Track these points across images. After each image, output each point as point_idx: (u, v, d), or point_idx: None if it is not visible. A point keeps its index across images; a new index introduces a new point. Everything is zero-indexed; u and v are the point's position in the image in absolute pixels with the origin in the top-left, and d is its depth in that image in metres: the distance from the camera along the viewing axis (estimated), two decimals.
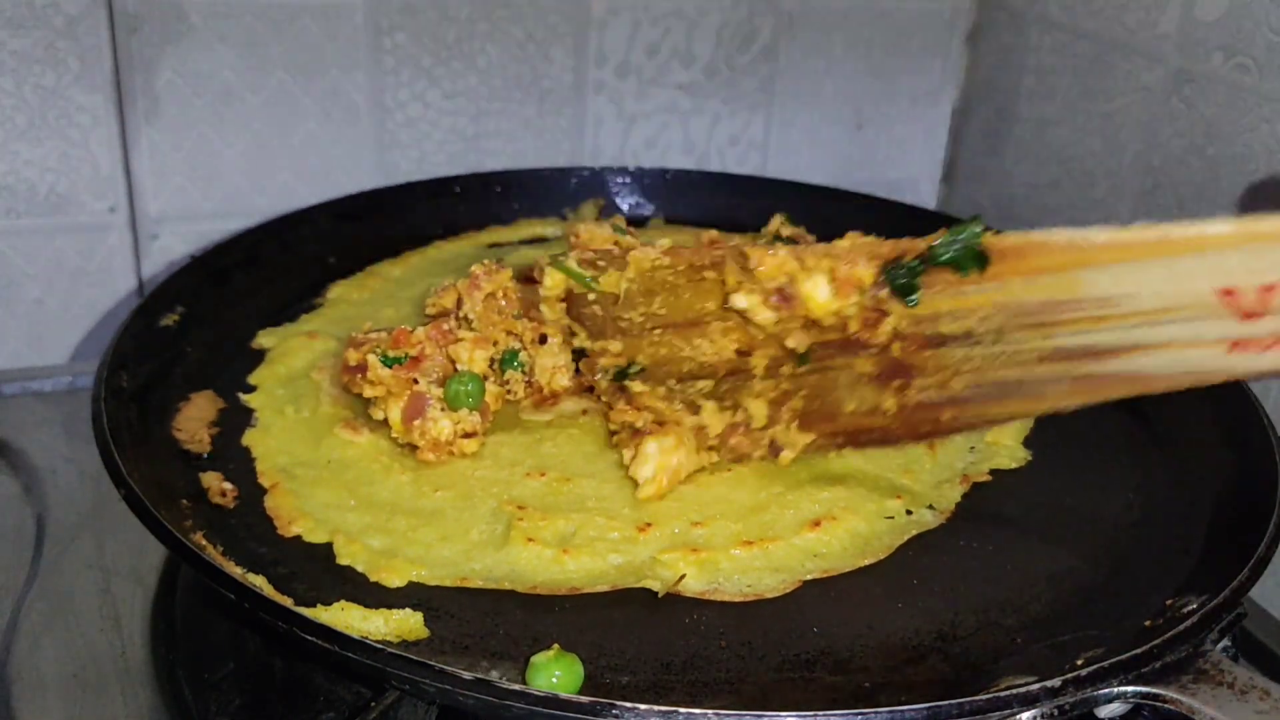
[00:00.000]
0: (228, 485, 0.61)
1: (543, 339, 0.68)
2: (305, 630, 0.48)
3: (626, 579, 0.57)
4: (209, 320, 0.74)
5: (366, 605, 0.53)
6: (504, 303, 0.70)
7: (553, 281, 0.65)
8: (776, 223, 0.85)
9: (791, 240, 0.83)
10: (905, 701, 0.47)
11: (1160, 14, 0.85)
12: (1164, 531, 0.62)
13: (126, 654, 0.59)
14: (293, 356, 0.72)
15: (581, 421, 0.67)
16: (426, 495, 0.61)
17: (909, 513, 0.62)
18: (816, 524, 0.60)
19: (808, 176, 1.01)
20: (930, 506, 0.63)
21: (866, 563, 0.59)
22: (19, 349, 0.87)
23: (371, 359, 0.64)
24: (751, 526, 0.60)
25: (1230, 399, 0.69)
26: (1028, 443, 0.69)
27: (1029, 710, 0.47)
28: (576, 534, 0.58)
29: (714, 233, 0.86)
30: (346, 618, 0.52)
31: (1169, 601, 0.56)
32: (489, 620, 0.54)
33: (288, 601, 0.52)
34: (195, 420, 0.66)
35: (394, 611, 0.53)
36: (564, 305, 0.66)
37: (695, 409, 0.63)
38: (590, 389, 0.68)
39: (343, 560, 0.57)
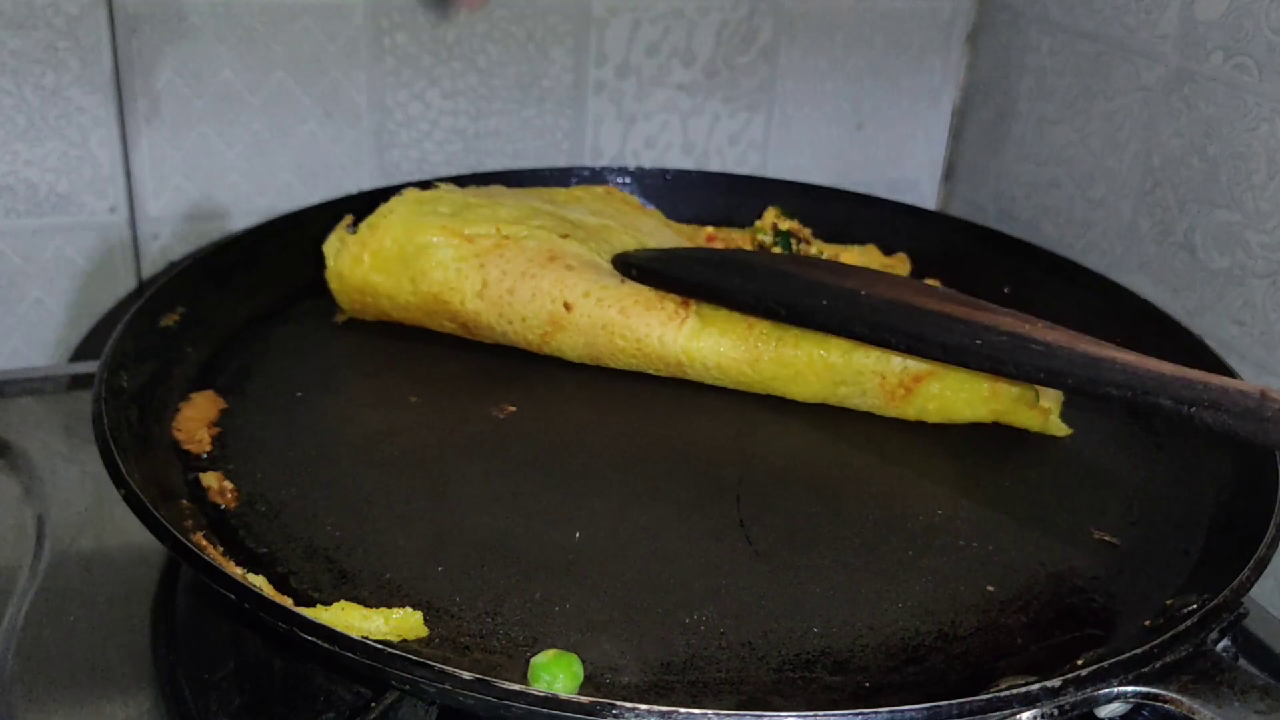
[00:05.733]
0: (228, 485, 0.61)
1: None
2: (305, 630, 0.48)
3: None
4: (209, 320, 0.74)
5: (366, 605, 0.53)
6: None
7: None
8: (771, 215, 0.85)
9: (789, 234, 0.84)
10: (905, 701, 0.47)
11: (1160, 14, 0.85)
12: (1164, 531, 0.62)
13: (126, 654, 0.59)
14: None
15: None
16: None
17: None
18: None
19: (808, 176, 1.01)
20: None
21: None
22: (19, 349, 0.87)
23: None
24: None
25: None
26: None
27: (1029, 710, 0.47)
28: None
29: (710, 230, 0.86)
30: (346, 617, 0.52)
31: (1169, 601, 0.56)
32: (489, 620, 0.54)
33: (288, 601, 0.52)
34: (195, 420, 0.66)
35: (394, 611, 0.53)
36: None
37: None
38: None
39: None
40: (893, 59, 1.03)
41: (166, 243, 0.88)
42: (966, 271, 0.87)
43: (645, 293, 0.72)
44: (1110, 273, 0.85)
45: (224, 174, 0.88)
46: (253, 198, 0.89)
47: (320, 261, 0.82)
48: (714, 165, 1.02)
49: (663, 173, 0.95)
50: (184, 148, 0.86)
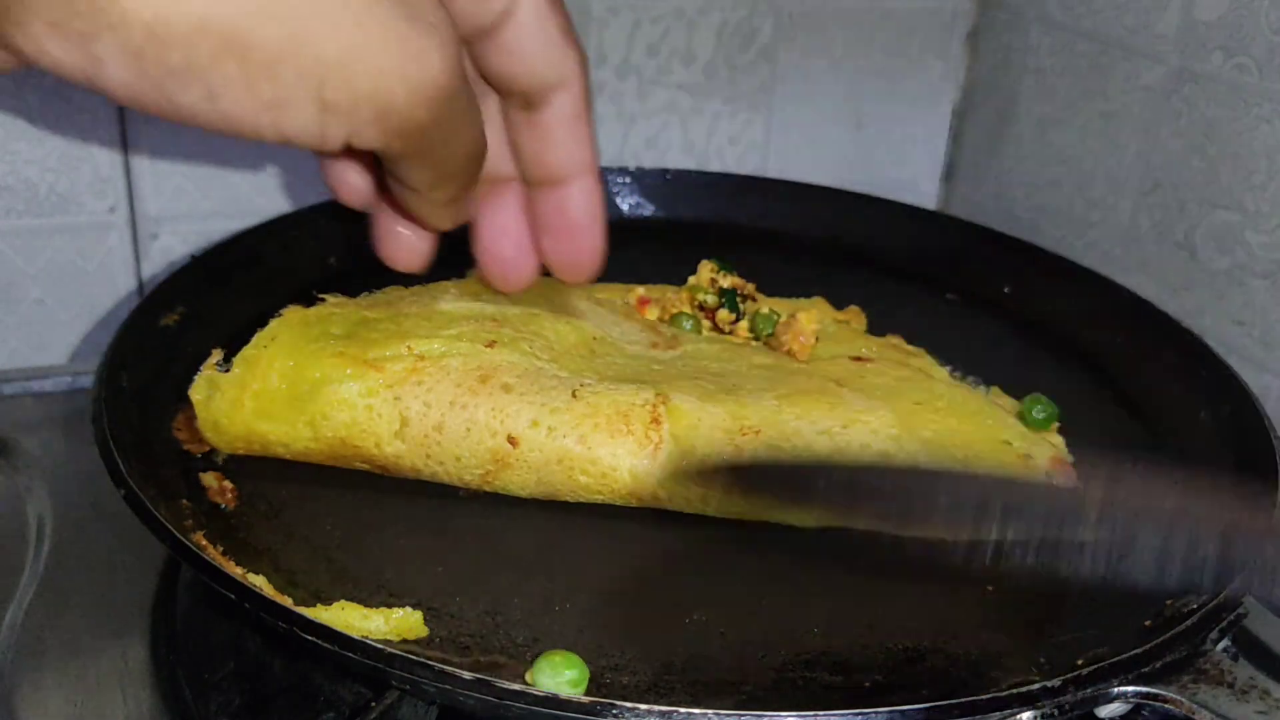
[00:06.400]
0: (228, 485, 0.61)
1: None
2: (305, 630, 0.48)
3: None
4: (209, 320, 0.74)
5: (366, 605, 0.53)
6: None
7: None
8: (708, 270, 0.77)
9: (732, 291, 0.76)
10: (905, 701, 0.47)
11: (1160, 14, 0.85)
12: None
13: (126, 654, 0.59)
14: None
15: None
16: None
17: None
18: None
19: (808, 176, 1.01)
20: None
21: None
22: (19, 349, 0.87)
23: None
24: None
25: (1230, 399, 0.69)
26: None
27: (1029, 710, 0.47)
28: None
29: (640, 290, 0.77)
30: (346, 617, 0.52)
31: (1169, 601, 0.56)
32: (489, 620, 0.54)
33: (288, 601, 0.52)
34: (195, 420, 0.66)
35: (394, 611, 0.53)
36: None
37: None
38: None
39: None
40: (893, 59, 1.03)
41: (166, 243, 0.88)
42: (966, 271, 0.87)
43: (605, 411, 0.60)
44: (1110, 273, 0.85)
45: (224, 174, 0.88)
46: (253, 198, 0.89)
47: (321, 261, 0.82)
48: (714, 165, 1.02)
49: (663, 173, 0.95)
50: (184, 148, 0.86)
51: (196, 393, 0.62)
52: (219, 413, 0.62)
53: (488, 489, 0.62)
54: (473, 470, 0.61)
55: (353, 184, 0.59)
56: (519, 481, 0.61)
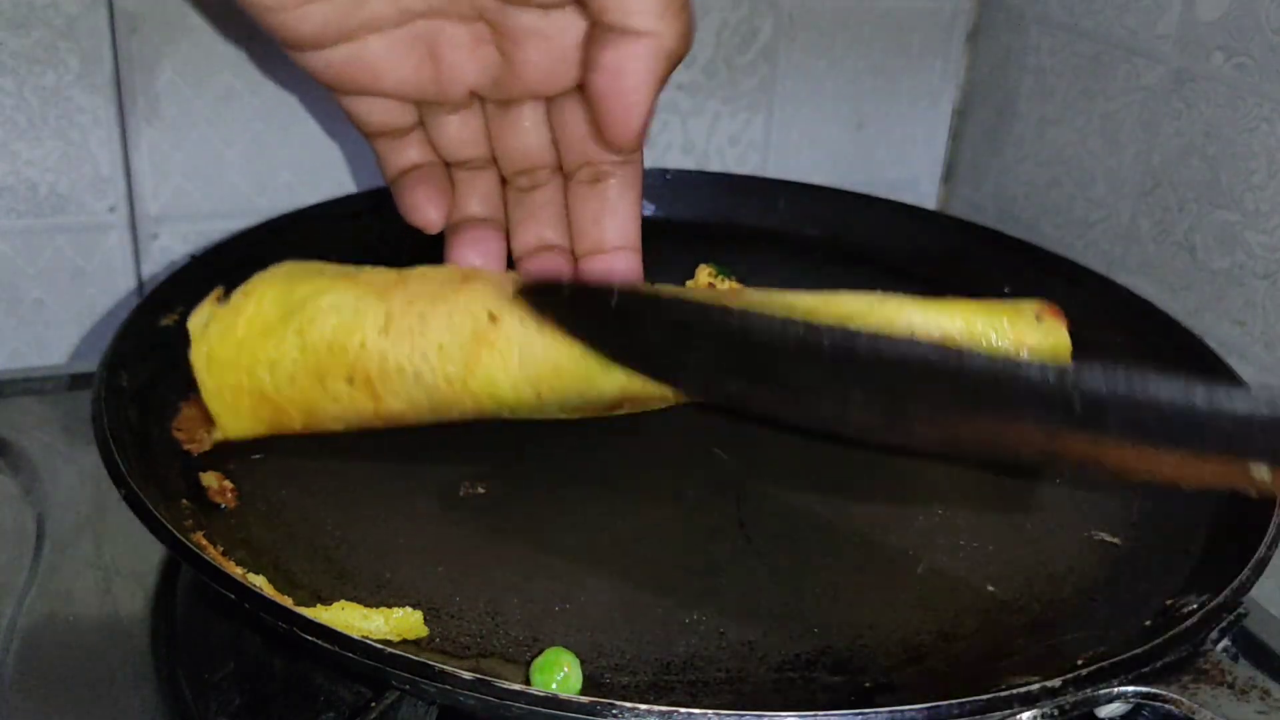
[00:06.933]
0: (228, 485, 0.61)
1: None
2: (305, 630, 0.48)
3: None
4: None
5: (366, 605, 0.53)
6: None
7: None
8: (705, 274, 0.76)
9: None
10: (905, 701, 0.47)
11: (1160, 14, 0.85)
12: (1164, 531, 0.62)
13: (126, 654, 0.59)
14: None
15: None
16: None
17: None
18: None
19: (808, 176, 1.01)
20: None
21: None
22: (19, 349, 0.87)
23: None
24: None
25: None
26: None
27: (1029, 710, 0.47)
28: None
29: None
30: (346, 617, 0.52)
31: (1169, 601, 0.56)
32: (489, 620, 0.54)
33: (288, 601, 0.52)
34: (195, 420, 0.66)
35: (394, 611, 0.53)
36: None
37: None
38: None
39: None
40: (893, 59, 1.03)
41: (166, 243, 0.88)
42: (966, 271, 0.87)
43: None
44: (1110, 273, 0.85)
45: (224, 174, 0.88)
46: (253, 198, 0.89)
47: (321, 261, 0.82)
48: (714, 165, 1.02)
49: (663, 173, 0.94)
50: (184, 148, 0.86)
51: (195, 321, 0.64)
52: (213, 339, 0.63)
53: (475, 388, 0.62)
54: (456, 360, 0.61)
55: (431, 218, 0.68)
56: (502, 365, 0.61)
